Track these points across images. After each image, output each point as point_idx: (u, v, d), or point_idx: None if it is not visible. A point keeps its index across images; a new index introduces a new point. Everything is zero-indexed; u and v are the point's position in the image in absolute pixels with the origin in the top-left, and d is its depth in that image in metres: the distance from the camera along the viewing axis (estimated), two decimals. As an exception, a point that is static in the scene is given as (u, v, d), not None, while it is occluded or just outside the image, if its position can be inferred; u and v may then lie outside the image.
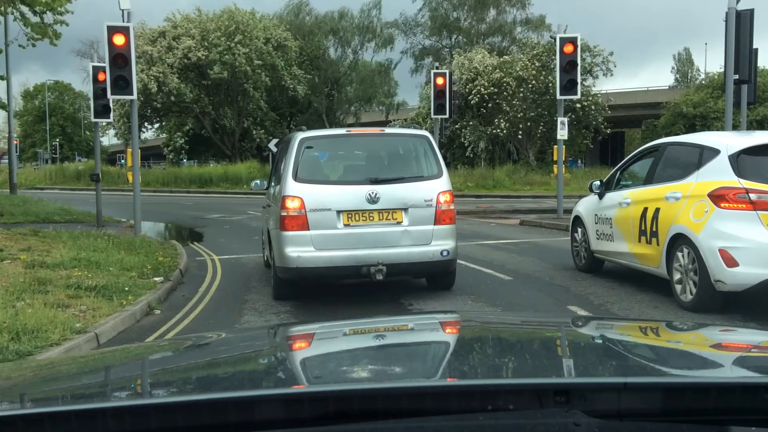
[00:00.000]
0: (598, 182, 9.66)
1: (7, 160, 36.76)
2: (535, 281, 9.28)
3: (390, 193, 7.84)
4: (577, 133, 35.50)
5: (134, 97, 13.54)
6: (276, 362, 2.00)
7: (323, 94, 46.04)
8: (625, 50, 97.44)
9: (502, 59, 37.37)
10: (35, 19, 15.27)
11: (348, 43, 46.30)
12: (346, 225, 7.75)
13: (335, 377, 1.71)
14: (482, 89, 35.94)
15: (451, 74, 21.94)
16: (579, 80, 16.60)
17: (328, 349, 2.14)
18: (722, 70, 15.94)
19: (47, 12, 15.05)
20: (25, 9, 15.09)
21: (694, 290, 7.13)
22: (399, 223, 7.84)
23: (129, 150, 15.96)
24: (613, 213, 8.87)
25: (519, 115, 35.12)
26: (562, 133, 16.61)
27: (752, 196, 6.70)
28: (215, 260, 11.78)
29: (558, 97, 16.45)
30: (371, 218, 7.80)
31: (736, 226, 6.75)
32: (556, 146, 17.35)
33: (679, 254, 7.32)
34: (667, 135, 24.82)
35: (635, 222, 8.22)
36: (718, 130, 25.45)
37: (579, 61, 16.14)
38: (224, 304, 8.35)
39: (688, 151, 7.85)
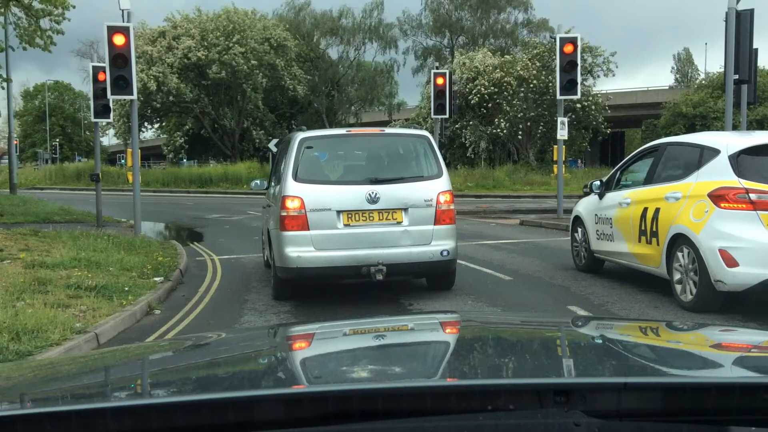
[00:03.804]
0: (598, 182, 9.66)
1: (7, 160, 36.79)
2: (535, 281, 9.28)
3: (390, 193, 7.84)
4: (577, 134, 35.51)
5: (134, 97, 13.54)
6: (276, 362, 2.00)
7: (323, 94, 46.03)
8: (624, 50, 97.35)
9: (503, 59, 37.39)
10: (30, 21, 15.23)
11: (348, 43, 46.30)
12: (346, 225, 7.75)
13: (335, 377, 1.71)
14: (483, 89, 35.93)
15: (451, 74, 21.93)
16: (579, 80, 16.60)
17: (328, 349, 2.14)
18: (722, 70, 15.94)
19: (45, 17, 14.99)
20: (17, 11, 15.05)
21: (694, 290, 7.12)
22: (399, 223, 7.83)
23: (129, 150, 15.96)
24: (613, 213, 8.87)
25: (519, 115, 35.12)
26: (562, 133, 16.61)
27: (752, 196, 6.70)
28: (215, 260, 11.78)
29: (558, 97, 16.45)
30: (371, 218, 7.80)
31: (736, 226, 6.75)
32: (556, 146, 17.36)
33: (679, 254, 7.32)
34: (667, 135, 24.81)
35: (635, 222, 8.22)
36: (718, 130, 25.45)
37: (579, 61, 16.14)
38: (224, 304, 8.35)
39: (688, 151, 7.85)
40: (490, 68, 36.46)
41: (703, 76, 53.16)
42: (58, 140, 72.23)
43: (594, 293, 8.37)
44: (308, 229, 7.67)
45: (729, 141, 7.32)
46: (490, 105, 36.19)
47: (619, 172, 9.39)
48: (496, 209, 22.25)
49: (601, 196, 9.39)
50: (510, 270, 10.07)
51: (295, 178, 7.82)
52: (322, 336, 2.33)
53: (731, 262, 6.71)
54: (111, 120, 19.92)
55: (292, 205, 7.68)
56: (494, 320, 3.04)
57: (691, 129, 31.39)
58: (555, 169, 17.68)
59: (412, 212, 7.87)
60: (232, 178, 37.78)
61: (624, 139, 58.06)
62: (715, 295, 6.96)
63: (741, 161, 6.96)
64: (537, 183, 31.93)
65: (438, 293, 8.50)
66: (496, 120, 35.90)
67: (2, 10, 14.44)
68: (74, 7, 15.36)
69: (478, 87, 36.11)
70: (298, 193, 7.72)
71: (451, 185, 8.30)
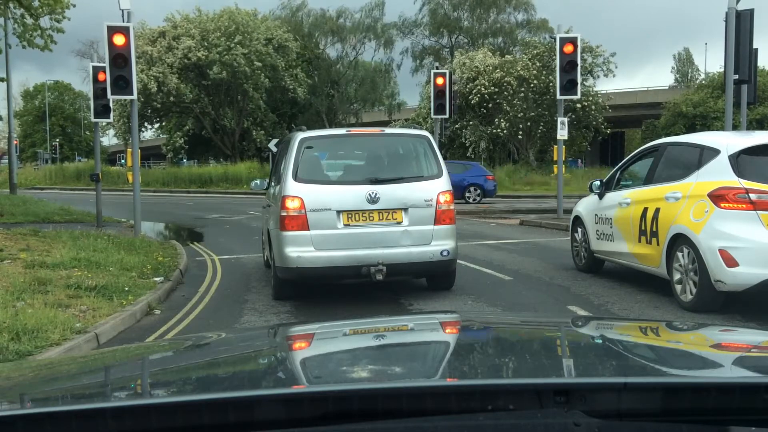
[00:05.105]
0: (598, 182, 9.66)
1: (7, 160, 36.78)
2: (535, 281, 9.28)
3: (390, 193, 7.84)
4: (577, 133, 35.56)
5: (134, 97, 13.54)
6: (276, 362, 2.00)
7: (323, 94, 46.01)
8: (624, 49, 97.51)
9: (503, 59, 37.41)
10: (30, 21, 15.19)
11: (347, 42, 46.27)
12: (346, 225, 7.75)
13: (335, 377, 1.71)
14: (483, 89, 35.95)
15: (451, 74, 21.93)
16: (579, 80, 16.61)
17: (328, 349, 2.14)
18: (722, 70, 15.94)
19: (45, 16, 14.96)
20: (18, 11, 15.01)
21: (694, 290, 7.12)
22: (399, 223, 7.83)
23: (129, 150, 15.96)
24: (613, 213, 8.87)
25: (519, 115, 35.15)
26: (562, 133, 16.62)
27: (752, 196, 6.70)
28: (215, 260, 11.78)
29: (558, 97, 16.46)
30: (371, 218, 7.80)
31: (736, 226, 6.75)
32: (556, 146, 17.36)
33: (679, 254, 7.31)
34: (667, 135, 24.81)
35: (635, 222, 8.22)
36: (718, 130, 25.45)
37: (579, 61, 16.15)
38: (224, 304, 8.35)
39: (688, 151, 7.85)
40: (491, 68, 36.48)
41: (703, 76, 53.21)
42: (58, 140, 72.21)
43: (594, 293, 8.36)
44: (308, 229, 7.67)
45: (729, 141, 7.32)
46: (490, 105, 36.21)
47: (619, 172, 9.39)
48: (496, 209, 22.28)
49: (601, 196, 9.39)
50: (510, 270, 10.07)
51: (295, 178, 7.82)
52: (322, 336, 2.33)
53: (731, 262, 6.71)
54: (111, 120, 19.93)
55: (292, 205, 7.69)
56: (494, 320, 3.04)
57: (691, 129, 31.42)
58: (555, 169, 17.69)
59: (412, 212, 7.87)
60: (232, 178, 37.81)
61: (624, 139, 58.08)
62: (715, 295, 6.96)
63: (741, 161, 6.96)
64: (537, 183, 31.98)
65: (438, 293, 8.50)
66: (496, 120, 35.92)
67: (2, 8, 14.42)
68: (74, 5, 15.34)
69: (478, 87, 36.13)
70: (298, 193, 7.72)
71: (451, 185, 8.30)
